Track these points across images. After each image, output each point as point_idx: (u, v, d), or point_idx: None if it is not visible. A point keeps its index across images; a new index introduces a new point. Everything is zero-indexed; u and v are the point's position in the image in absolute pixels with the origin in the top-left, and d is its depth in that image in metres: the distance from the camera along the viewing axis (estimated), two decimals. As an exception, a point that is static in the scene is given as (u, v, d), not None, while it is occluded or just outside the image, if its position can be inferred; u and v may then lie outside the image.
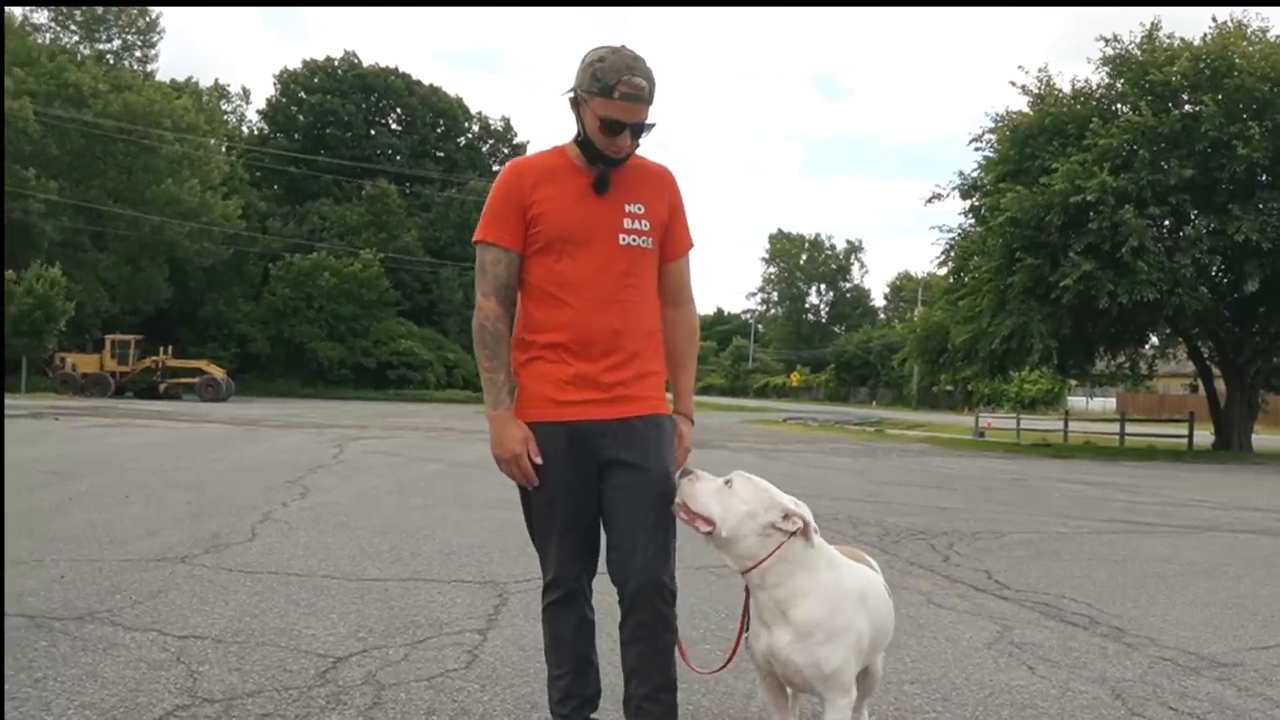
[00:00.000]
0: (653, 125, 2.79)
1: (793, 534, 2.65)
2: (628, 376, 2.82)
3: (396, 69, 68.81)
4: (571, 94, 2.79)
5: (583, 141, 2.82)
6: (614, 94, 2.70)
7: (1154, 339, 30.77)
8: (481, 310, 2.82)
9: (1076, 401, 66.03)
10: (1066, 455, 24.93)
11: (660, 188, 2.94)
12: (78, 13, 59.52)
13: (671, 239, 2.98)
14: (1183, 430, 29.71)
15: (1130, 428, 33.31)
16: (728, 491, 2.66)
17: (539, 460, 2.77)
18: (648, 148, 2.94)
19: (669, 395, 3.06)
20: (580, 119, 2.80)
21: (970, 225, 28.95)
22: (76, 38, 59.79)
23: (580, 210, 2.81)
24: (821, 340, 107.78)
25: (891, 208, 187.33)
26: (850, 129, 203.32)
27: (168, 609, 4.66)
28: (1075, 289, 22.58)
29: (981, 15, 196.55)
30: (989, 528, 9.01)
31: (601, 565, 2.88)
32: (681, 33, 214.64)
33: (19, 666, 3.69)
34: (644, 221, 2.87)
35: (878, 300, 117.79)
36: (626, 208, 2.85)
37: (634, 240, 2.85)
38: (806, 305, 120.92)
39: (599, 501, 2.84)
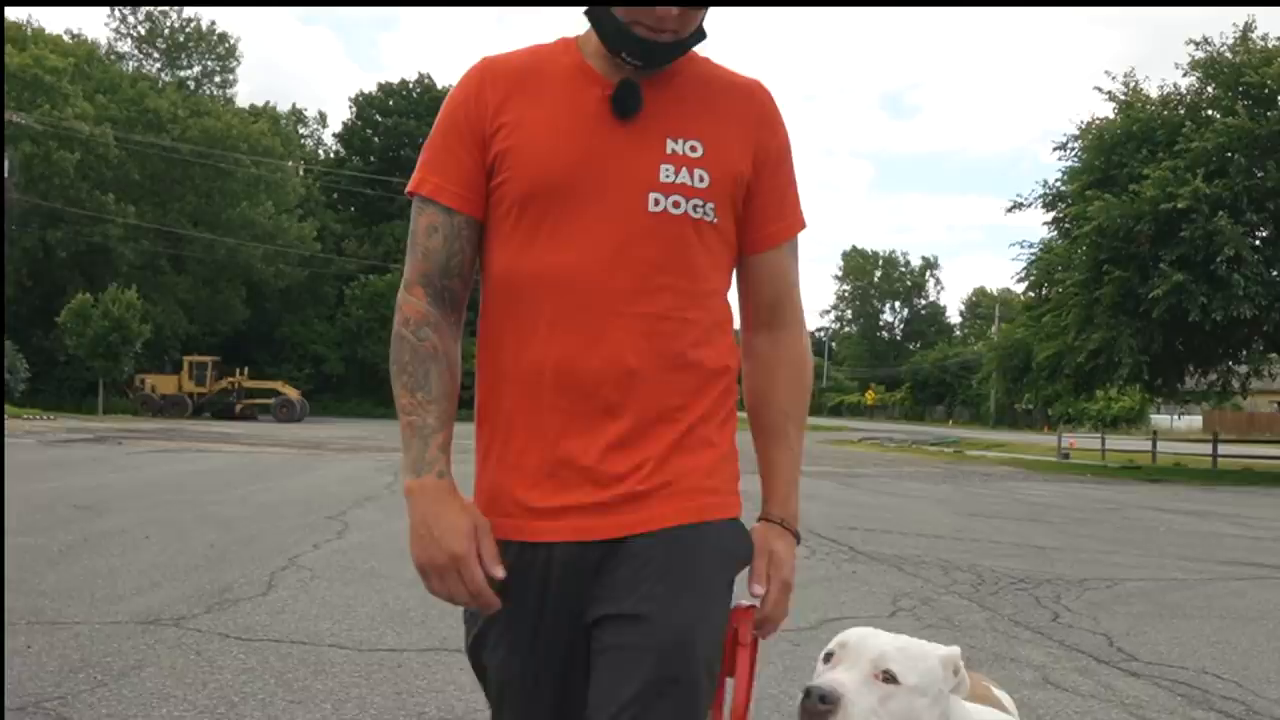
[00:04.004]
0: None
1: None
2: (649, 457, 1.54)
3: (469, 89, 69.06)
4: None
5: (599, 17, 1.57)
6: None
7: (1247, 354, 29.22)
8: (401, 310, 1.63)
9: (1161, 420, 63.89)
10: (1158, 479, 23.59)
11: (744, 117, 1.65)
12: (159, 40, 60.60)
13: (763, 210, 1.67)
14: None
15: (1222, 448, 31.66)
16: (898, 692, 1.59)
17: (500, 571, 1.51)
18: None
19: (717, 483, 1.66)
20: None
21: (1053, 238, 27.79)
22: (159, 65, 60.82)
23: (580, 143, 1.56)
24: (897, 358, 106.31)
25: (965, 224, 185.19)
26: (919, 146, 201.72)
27: (132, 694, 3.93)
28: (1166, 302, 21.40)
29: (1045, 33, 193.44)
30: (1097, 573, 8.01)
31: None
32: (746, 52, 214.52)
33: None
34: (700, 173, 1.57)
35: (953, 317, 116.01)
36: (669, 145, 1.58)
37: (679, 204, 1.56)
38: (881, 323, 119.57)
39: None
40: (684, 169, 1.58)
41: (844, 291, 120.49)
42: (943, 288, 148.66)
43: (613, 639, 1.49)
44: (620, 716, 1.44)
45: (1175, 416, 64.62)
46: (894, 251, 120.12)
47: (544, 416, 1.56)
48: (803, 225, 1.73)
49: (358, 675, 4.31)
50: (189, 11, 62.92)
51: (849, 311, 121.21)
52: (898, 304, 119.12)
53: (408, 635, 5.08)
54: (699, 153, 1.59)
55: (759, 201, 1.66)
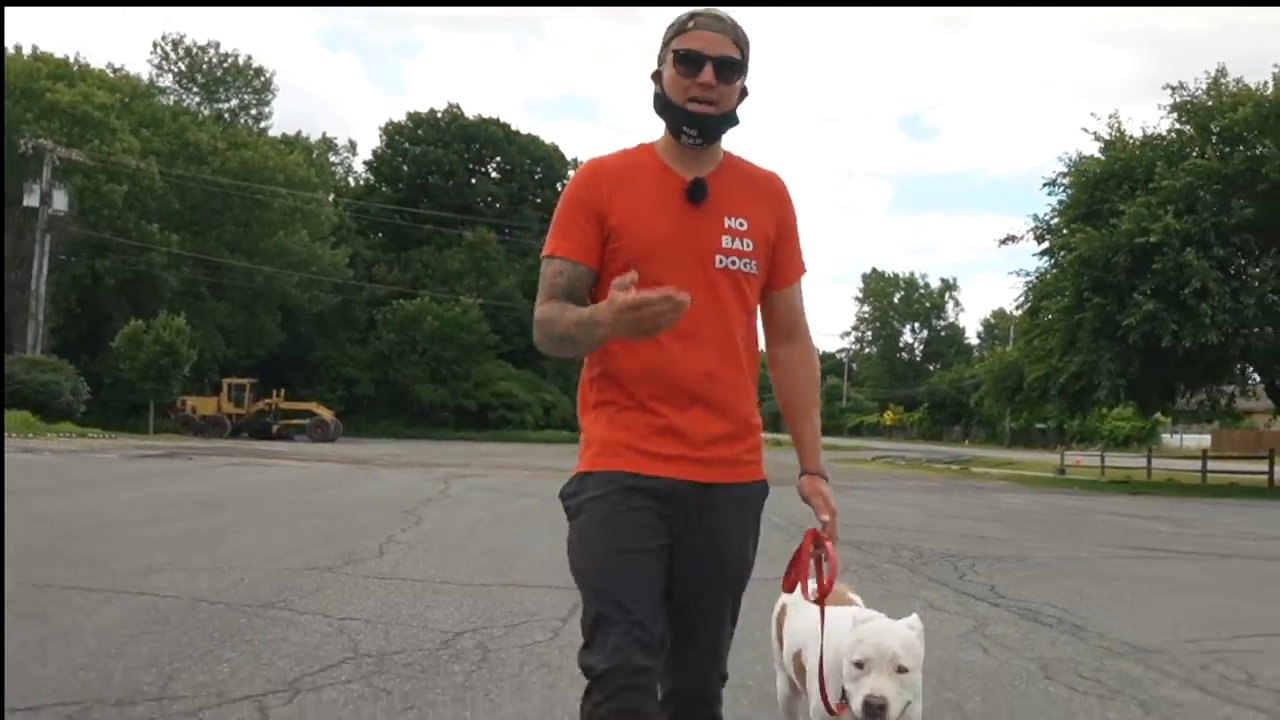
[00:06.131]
0: (740, 65, 2.38)
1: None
2: (724, 432, 2.39)
3: (497, 119, 71.49)
4: (655, 72, 2.45)
5: (663, 107, 2.40)
6: (688, 26, 2.36)
7: (1246, 373, 30.83)
8: (537, 318, 2.36)
9: (1173, 439, 65.40)
10: (1145, 492, 25.28)
11: (769, 198, 2.51)
12: (198, 75, 63.34)
13: (780, 262, 2.52)
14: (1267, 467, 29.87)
15: (1219, 464, 33.51)
16: (907, 677, 2.49)
17: (628, 278, 2.11)
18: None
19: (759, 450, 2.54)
20: (661, 87, 2.41)
21: (1046, 267, 29.77)
22: (198, 99, 63.55)
23: (668, 222, 2.37)
24: (916, 379, 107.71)
25: (985, 244, 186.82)
26: (938, 167, 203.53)
27: (326, 600, 6.15)
28: (1140, 329, 23.42)
29: (1061, 54, 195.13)
30: (1018, 553, 10.11)
31: None
32: (768, 76, 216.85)
33: (230, 633, 5.18)
34: (747, 241, 2.41)
35: (972, 338, 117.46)
36: (726, 222, 2.40)
37: (734, 263, 2.39)
38: (901, 344, 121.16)
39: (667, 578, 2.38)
40: (737, 239, 2.39)
41: (864, 313, 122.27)
42: (962, 309, 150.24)
43: (701, 563, 2.39)
44: (712, 623, 2.43)
45: (1171, 434, 65.70)
46: (913, 273, 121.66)
47: (653, 402, 2.34)
48: (805, 270, 2.60)
49: (465, 596, 6.51)
50: (226, 47, 65.93)
51: (869, 333, 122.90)
52: (917, 325, 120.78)
53: (491, 578, 7.28)
54: (745, 227, 2.41)
55: (779, 256, 2.51)
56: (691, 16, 2.35)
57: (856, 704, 2.42)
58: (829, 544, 2.47)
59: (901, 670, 2.43)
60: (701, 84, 2.31)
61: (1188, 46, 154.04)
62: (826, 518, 2.49)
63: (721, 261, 2.38)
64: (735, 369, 2.40)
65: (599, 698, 2.16)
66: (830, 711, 2.64)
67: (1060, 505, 18.74)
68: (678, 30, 2.36)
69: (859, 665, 2.45)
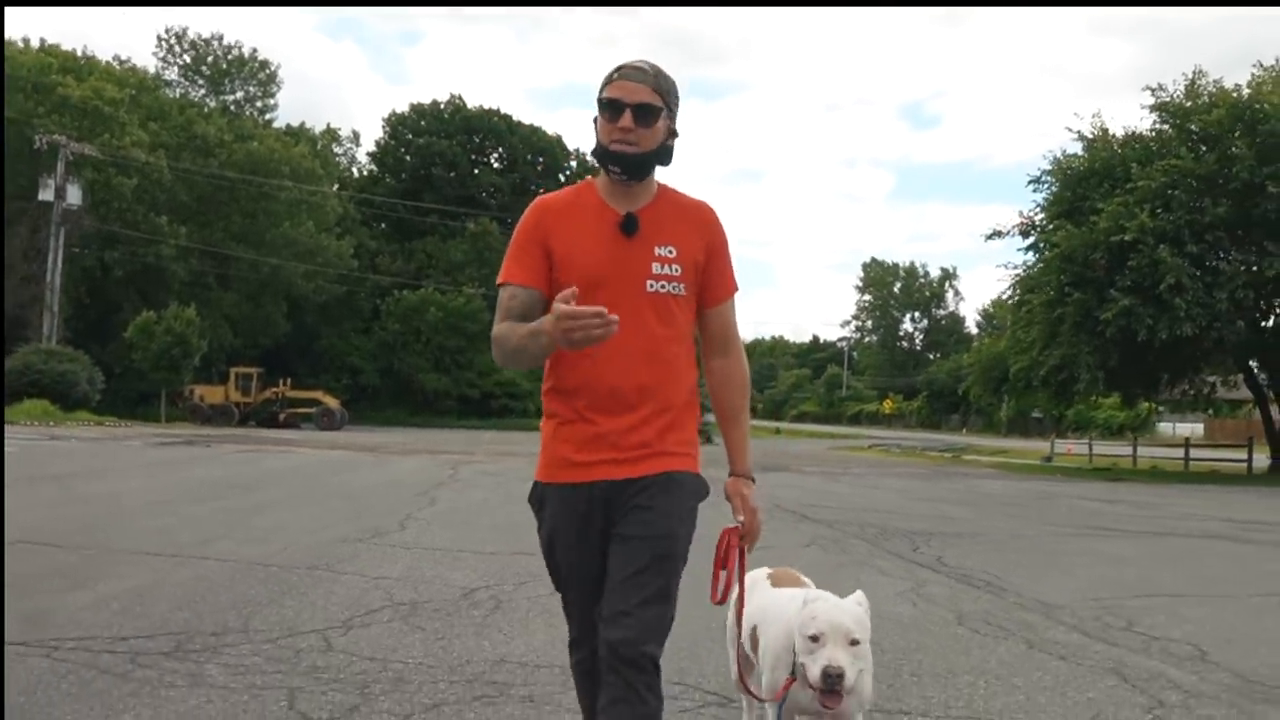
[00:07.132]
0: (658, 109, 2.65)
1: None
2: (651, 435, 2.66)
3: (499, 110, 72.35)
4: (595, 118, 2.72)
5: (596, 151, 2.71)
6: (613, 77, 2.67)
7: (1228, 365, 31.76)
8: (494, 335, 2.66)
9: (1166, 428, 66.42)
10: (1126, 479, 26.14)
11: (697, 226, 2.78)
12: (204, 67, 64.20)
13: (711, 282, 2.79)
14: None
15: (1203, 453, 34.58)
16: (858, 649, 2.73)
17: (568, 293, 2.39)
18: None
19: (697, 452, 2.79)
20: (596, 135, 2.71)
21: (1032, 261, 30.78)
22: (204, 91, 64.39)
23: (604, 252, 2.66)
24: (916, 367, 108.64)
25: (986, 233, 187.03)
26: (940, 155, 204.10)
27: (361, 563, 7.27)
28: (1117, 324, 24.49)
29: (1064, 42, 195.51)
30: (973, 531, 11.20)
31: None
32: (768, 65, 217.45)
33: (287, 587, 6.28)
34: (675, 266, 2.69)
35: (972, 327, 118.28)
36: (656, 250, 2.69)
37: (664, 287, 2.68)
38: (901, 333, 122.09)
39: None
40: (666, 264, 2.68)
41: (865, 302, 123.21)
42: (962, 298, 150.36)
43: (628, 530, 2.63)
44: (635, 578, 2.57)
45: (1158, 421, 66.56)
46: (914, 262, 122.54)
47: (589, 412, 2.66)
48: (736, 288, 2.86)
49: (479, 561, 7.62)
50: (230, 38, 66.70)
51: (869, 322, 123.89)
52: (917, 314, 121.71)
53: (501, 547, 8.38)
54: (674, 254, 2.69)
55: (709, 277, 2.78)
56: (618, 69, 2.68)
57: (815, 674, 2.62)
58: (735, 550, 2.79)
59: (854, 643, 2.66)
60: (622, 128, 2.62)
61: (1190, 33, 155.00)
62: (743, 518, 2.80)
63: (652, 286, 2.67)
64: (666, 380, 2.69)
65: (578, 656, 2.84)
66: (748, 691, 3.17)
67: (1035, 490, 19.78)
68: (605, 82, 2.67)
69: (814, 639, 2.66)
